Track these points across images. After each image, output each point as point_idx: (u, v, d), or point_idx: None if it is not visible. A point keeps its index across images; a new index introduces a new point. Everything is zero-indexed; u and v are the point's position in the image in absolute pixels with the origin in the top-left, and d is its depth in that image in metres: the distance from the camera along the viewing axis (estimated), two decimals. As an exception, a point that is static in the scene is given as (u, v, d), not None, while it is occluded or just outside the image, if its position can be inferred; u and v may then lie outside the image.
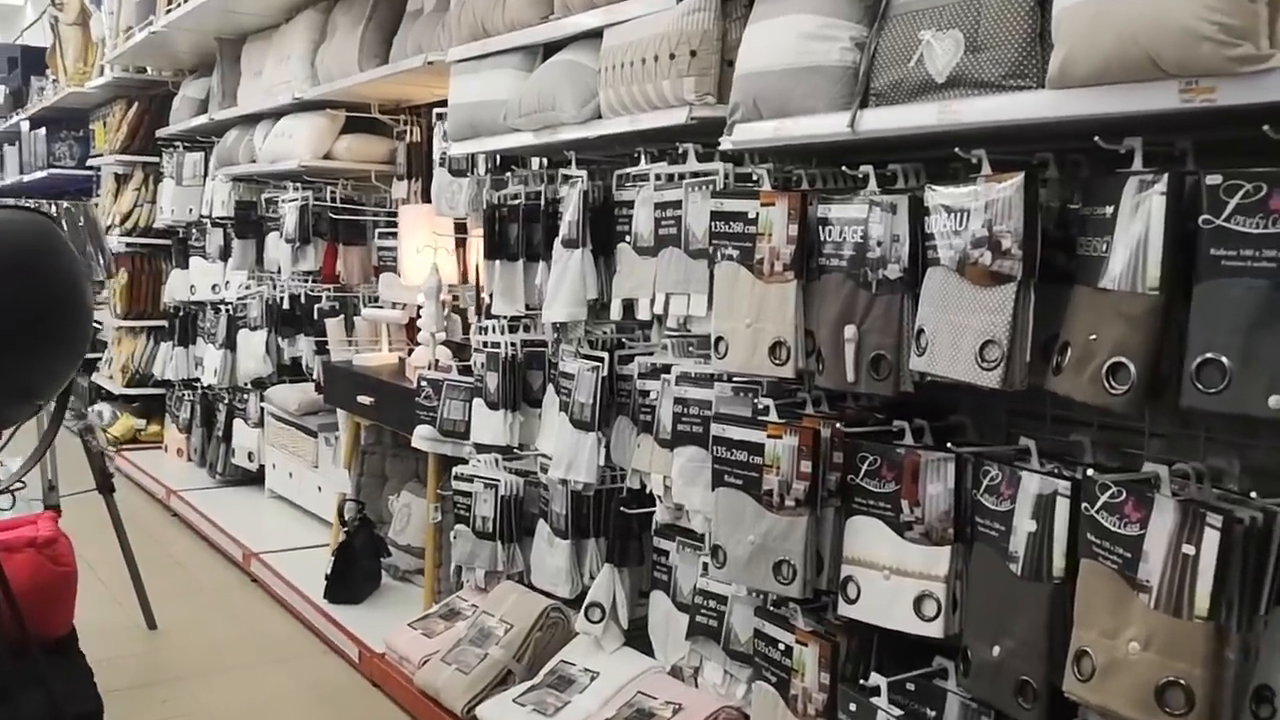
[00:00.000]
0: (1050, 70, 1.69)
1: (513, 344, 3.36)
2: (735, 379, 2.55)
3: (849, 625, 2.29)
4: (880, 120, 2.01)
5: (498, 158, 3.54)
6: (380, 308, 4.73)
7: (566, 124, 2.87)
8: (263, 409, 5.54)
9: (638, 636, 3.02)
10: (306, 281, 5.18)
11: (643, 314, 2.76)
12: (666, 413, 2.70)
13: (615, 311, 2.87)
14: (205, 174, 6.31)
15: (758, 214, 2.31)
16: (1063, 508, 1.86)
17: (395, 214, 4.61)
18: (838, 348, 2.15)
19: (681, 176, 2.65)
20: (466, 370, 3.66)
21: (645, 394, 2.84)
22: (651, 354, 2.90)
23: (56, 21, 8.65)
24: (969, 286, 1.89)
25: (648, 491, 2.84)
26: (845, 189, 2.34)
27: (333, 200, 4.88)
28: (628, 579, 3.00)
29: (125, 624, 4.10)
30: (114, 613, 4.20)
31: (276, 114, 5.16)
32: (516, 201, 3.31)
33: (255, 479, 5.77)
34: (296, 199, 4.93)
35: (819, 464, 2.26)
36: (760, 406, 2.40)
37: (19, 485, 1.91)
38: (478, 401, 3.47)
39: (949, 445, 2.12)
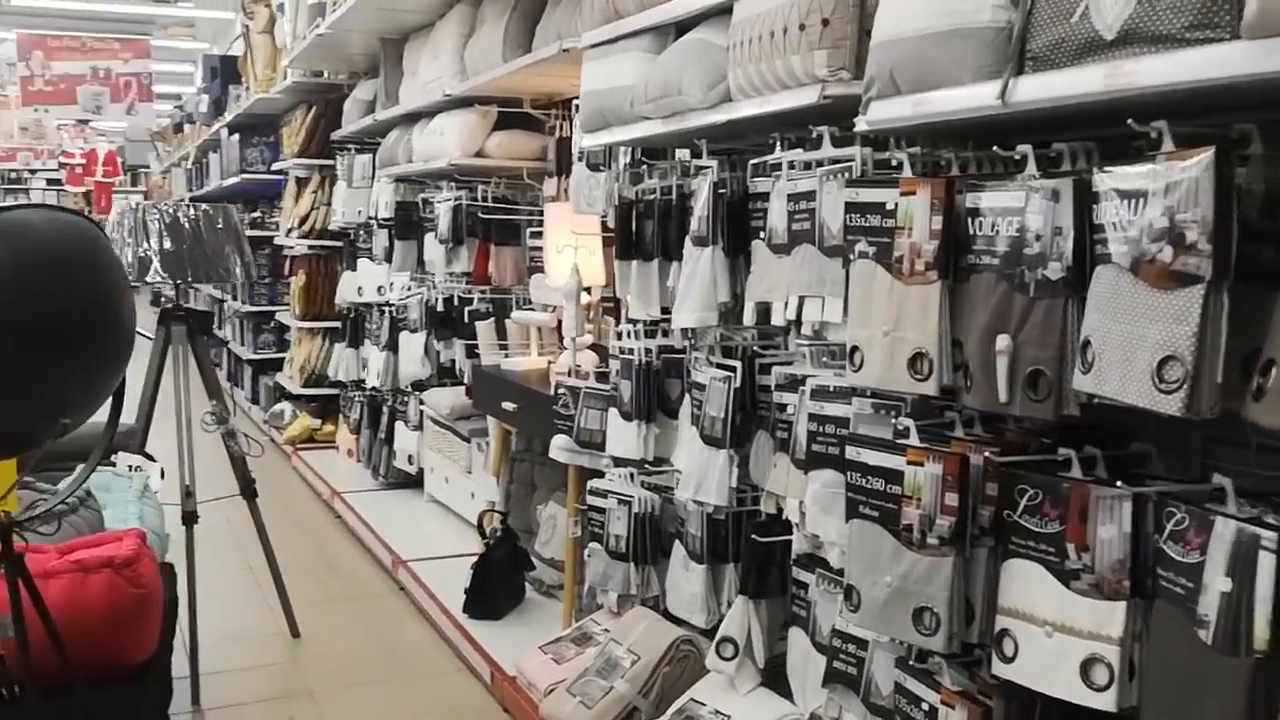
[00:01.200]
0: (1246, 15, 1.32)
1: (648, 350, 3.12)
2: (878, 394, 2.23)
3: (1005, 687, 1.94)
4: (1036, 89, 1.67)
5: (637, 150, 3.30)
6: (531, 310, 4.56)
7: (694, 109, 2.60)
8: (421, 412, 5.47)
9: (779, 675, 2.73)
10: (461, 283, 5.07)
11: (776, 319, 2.47)
12: (803, 430, 2.40)
13: (748, 316, 2.58)
14: (373, 176, 6.30)
15: (896, 205, 1.99)
16: (1266, 564, 1.49)
17: (545, 212, 4.43)
18: (988, 361, 1.82)
19: (819, 164, 2.35)
20: (606, 377, 3.44)
21: (782, 408, 2.55)
22: (790, 363, 2.61)
23: (248, 30, 8.90)
24: (1145, 289, 1.53)
25: (784, 516, 2.55)
26: (1000, 174, 2.00)
27: (484, 199, 4.74)
28: (765, 612, 2.71)
29: (271, 631, 4.05)
30: (264, 619, 4.16)
31: (433, 112, 5.07)
32: (652, 197, 3.06)
33: (416, 482, 5.71)
34: (450, 199, 4.81)
35: (968, 496, 1.93)
36: (900, 427, 2.07)
37: (63, 507, 1.78)
38: (613, 411, 3.24)
39: (1124, 480, 1.76)
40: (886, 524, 2.03)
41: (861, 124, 2.06)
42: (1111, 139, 1.82)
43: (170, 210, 3.50)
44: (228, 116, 9.67)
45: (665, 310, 3.05)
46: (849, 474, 2.12)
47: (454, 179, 4.95)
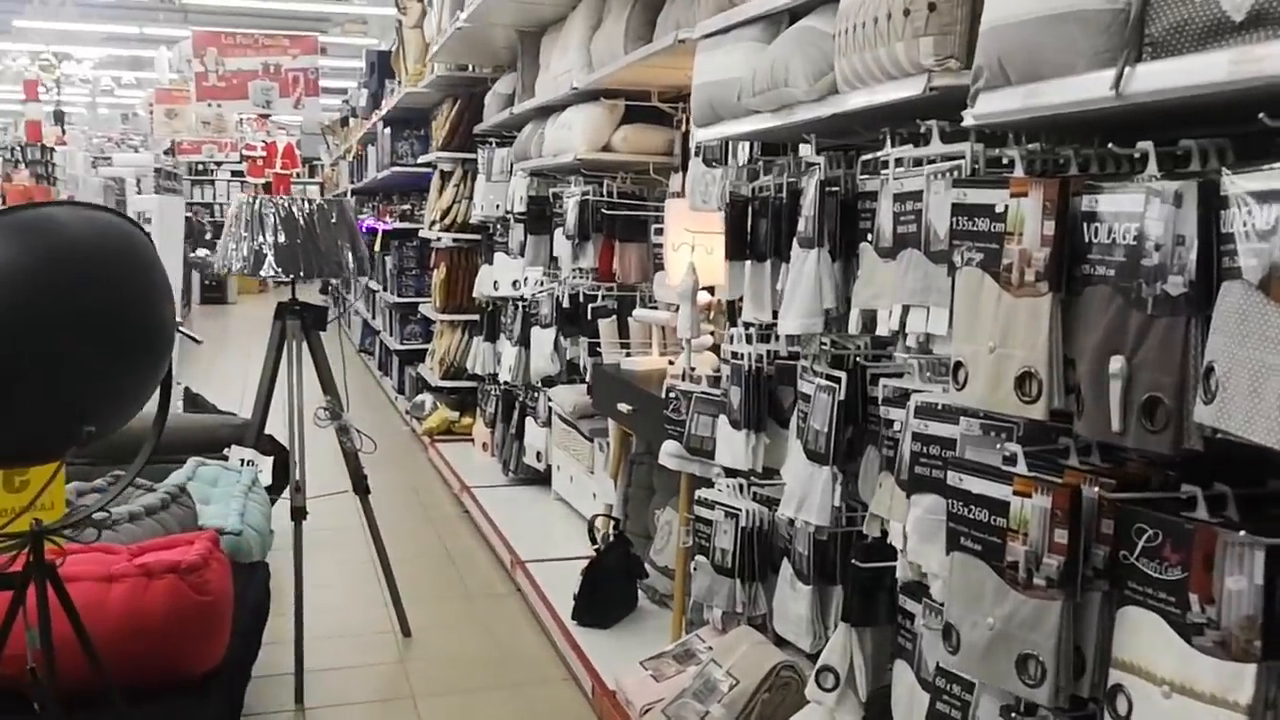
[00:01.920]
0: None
1: (759, 355, 2.96)
2: (989, 415, 2.04)
3: (1118, 748, 1.74)
4: (1154, 78, 1.46)
5: (755, 146, 3.14)
6: (655, 308, 4.44)
7: (800, 101, 2.44)
8: (550, 409, 5.42)
9: (888, 709, 2.54)
10: (587, 279, 4.98)
11: (882, 328, 2.29)
12: (907, 448, 2.22)
13: (853, 324, 2.41)
14: (511, 169, 6.27)
15: (1006, 207, 1.80)
16: None
17: (671, 209, 4.29)
18: (1100, 385, 1.62)
19: (928, 161, 2.16)
20: (719, 381, 3.29)
21: (890, 424, 2.37)
22: (900, 375, 2.42)
23: (400, 25, 9.02)
24: (1276, 311, 1.32)
25: (888, 541, 2.37)
26: (1120, 174, 1.79)
27: (609, 194, 4.64)
28: (870, 641, 2.53)
29: (383, 629, 4.04)
30: (379, 616, 4.15)
31: (564, 106, 4.99)
32: (766, 194, 2.90)
33: (545, 479, 5.66)
34: (576, 194, 4.73)
35: (1080, 533, 1.73)
36: (1006, 453, 1.88)
37: (102, 514, 1.73)
38: (722, 418, 3.10)
39: (1261, 523, 1.54)
40: (989, 559, 1.84)
41: (969, 117, 1.87)
42: (1253, 135, 1.59)
43: (285, 204, 3.50)
44: (383, 110, 9.84)
45: (776, 314, 2.90)
46: (950, 502, 1.94)
47: (581, 173, 4.87)
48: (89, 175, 10.62)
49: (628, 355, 4.49)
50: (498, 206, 6.38)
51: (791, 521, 2.77)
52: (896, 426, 2.32)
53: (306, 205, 3.53)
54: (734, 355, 3.04)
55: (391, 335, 9.53)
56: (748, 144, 3.19)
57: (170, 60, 15.89)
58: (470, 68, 7.36)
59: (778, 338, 3.00)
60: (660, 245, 4.42)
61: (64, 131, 12.96)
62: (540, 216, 5.50)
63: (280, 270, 3.47)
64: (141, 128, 19.94)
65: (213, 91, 14.38)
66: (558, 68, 4.89)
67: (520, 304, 5.84)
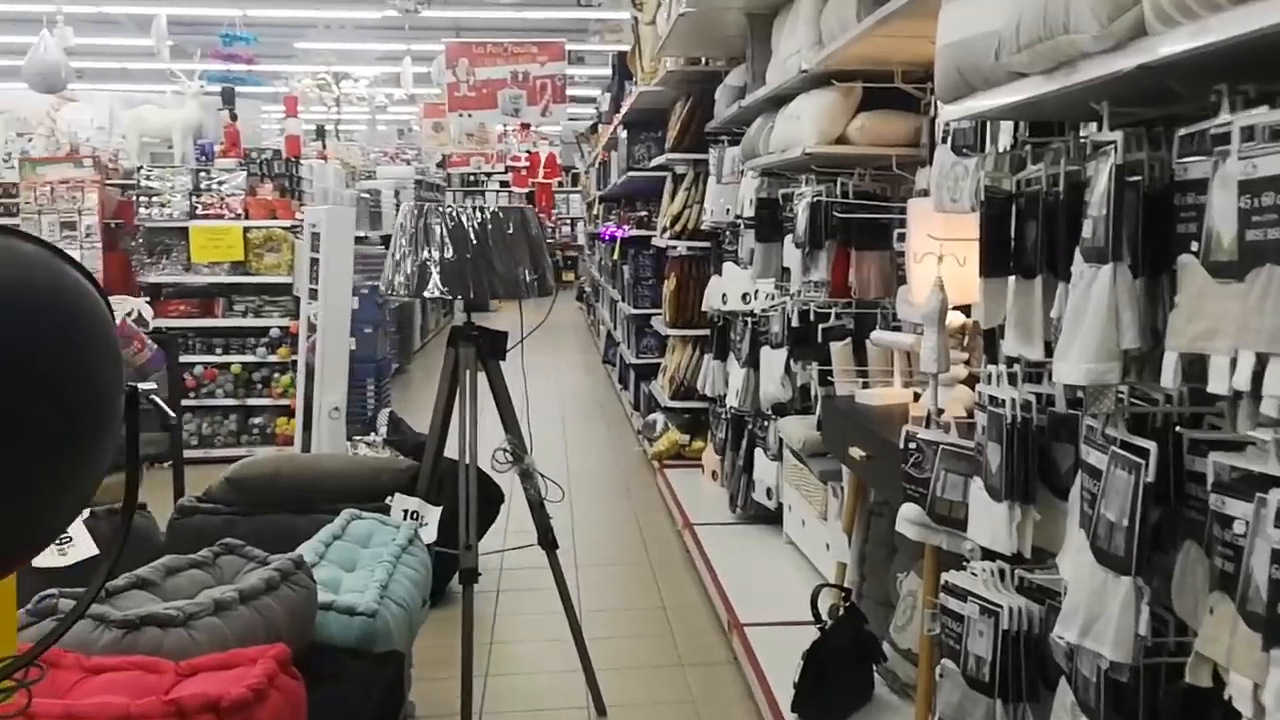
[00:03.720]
0: None
1: (1025, 402, 2.23)
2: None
3: None
4: None
5: (1017, 124, 2.41)
6: (897, 329, 3.72)
7: (1088, 53, 1.71)
8: (780, 440, 4.75)
9: None
10: (821, 293, 4.29)
11: (1216, 383, 1.53)
12: (1262, 569, 1.46)
13: (1168, 374, 1.65)
14: (743, 170, 5.66)
15: None
16: None
17: (917, 210, 3.56)
18: None
19: (1297, 130, 1.39)
20: (974, 430, 2.57)
21: (1226, 522, 1.60)
22: (1241, 448, 1.65)
23: (636, 22, 8.59)
24: None
25: (1226, 696, 1.60)
26: None
27: (844, 194, 3.93)
28: (1192, 825, 1.77)
29: (576, 704, 3.48)
30: (572, 688, 3.57)
31: (794, 95, 4.32)
32: (1036, 188, 2.17)
33: (775, 518, 4.99)
34: (807, 195, 4.06)
35: None
36: None
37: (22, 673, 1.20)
38: (977, 481, 2.38)
39: None
40: None
41: (1392, 48, 1.11)
42: None
43: (454, 214, 3.01)
44: (621, 113, 9.45)
45: (1052, 348, 2.15)
46: (1351, 682, 1.19)
47: (813, 170, 4.19)
48: (341, 188, 10.69)
49: (864, 386, 3.78)
50: (728, 211, 5.78)
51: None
52: (1238, 528, 1.56)
53: (478, 215, 3.02)
54: (992, 401, 2.31)
55: (629, 348, 9.09)
56: (1011, 123, 2.46)
57: (432, 74, 16.19)
58: (703, 61, 6.80)
59: (1052, 379, 2.25)
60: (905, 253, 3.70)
61: (325, 146, 13.24)
62: (770, 221, 4.85)
63: (446, 290, 2.98)
64: (417, 142, 20.64)
65: (464, 102, 14.46)
66: (786, 50, 4.25)
67: (749, 320, 5.21)
